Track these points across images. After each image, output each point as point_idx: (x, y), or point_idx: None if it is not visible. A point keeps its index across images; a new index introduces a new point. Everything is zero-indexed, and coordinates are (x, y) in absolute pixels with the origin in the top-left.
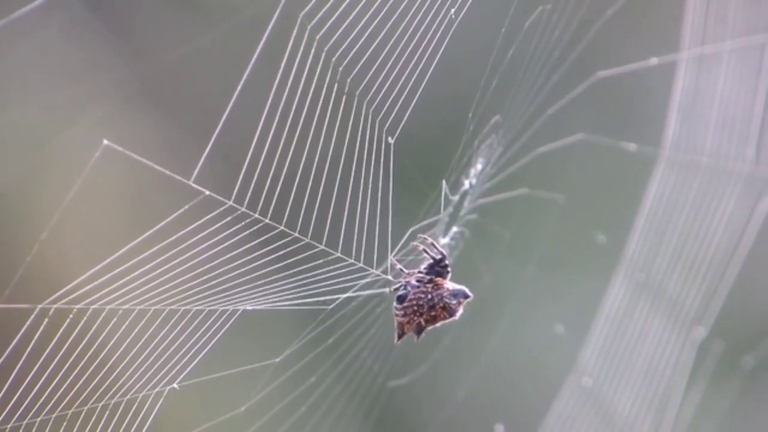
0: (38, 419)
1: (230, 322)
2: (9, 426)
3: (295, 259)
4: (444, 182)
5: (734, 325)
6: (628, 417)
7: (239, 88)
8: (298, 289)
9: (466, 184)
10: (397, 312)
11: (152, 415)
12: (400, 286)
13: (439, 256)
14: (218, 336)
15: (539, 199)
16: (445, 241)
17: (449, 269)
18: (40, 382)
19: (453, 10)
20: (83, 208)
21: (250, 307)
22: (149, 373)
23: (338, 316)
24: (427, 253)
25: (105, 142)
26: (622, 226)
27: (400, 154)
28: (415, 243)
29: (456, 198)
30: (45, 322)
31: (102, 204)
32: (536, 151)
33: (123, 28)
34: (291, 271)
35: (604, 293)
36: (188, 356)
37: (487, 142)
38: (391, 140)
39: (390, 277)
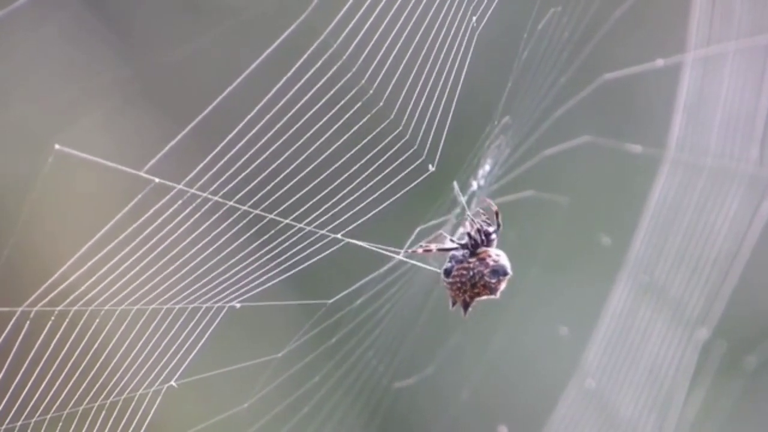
0: (32, 420)
1: (219, 317)
2: (3, 428)
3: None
4: (455, 183)
5: (737, 325)
6: (631, 418)
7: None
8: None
9: (474, 185)
10: (446, 285)
11: (150, 414)
12: (449, 253)
13: (493, 228)
14: (209, 332)
15: (545, 200)
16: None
17: (495, 237)
18: (29, 384)
19: (474, 18)
20: (60, 210)
21: (238, 304)
22: (142, 372)
23: (342, 314)
24: (493, 218)
25: (56, 146)
26: (627, 227)
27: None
28: (485, 203)
29: (464, 199)
30: (27, 325)
31: (79, 205)
32: (542, 153)
33: (123, 28)
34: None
35: (607, 295)
36: (182, 353)
37: (496, 143)
38: (432, 168)
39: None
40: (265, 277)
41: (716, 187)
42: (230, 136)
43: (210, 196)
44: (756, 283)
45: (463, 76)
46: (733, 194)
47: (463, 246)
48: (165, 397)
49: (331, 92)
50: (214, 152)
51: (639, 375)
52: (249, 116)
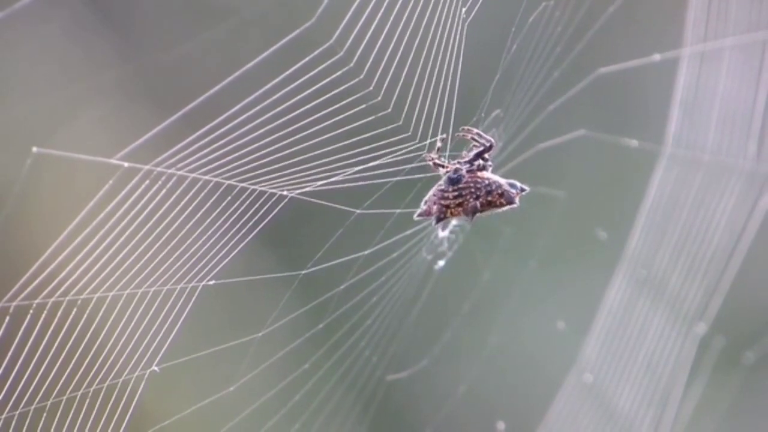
0: (17, 412)
1: (194, 296)
2: None
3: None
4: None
5: (735, 320)
6: (629, 413)
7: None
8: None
9: None
10: (447, 194)
11: (135, 400)
12: (449, 172)
13: (488, 144)
14: (185, 314)
15: (540, 195)
16: (444, 234)
17: (491, 163)
18: (11, 377)
19: (464, 10)
20: (42, 207)
21: (212, 282)
22: (123, 358)
23: (328, 296)
24: (476, 141)
25: (34, 149)
26: (624, 222)
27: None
28: (461, 132)
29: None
30: (7, 320)
31: (59, 202)
32: (537, 147)
33: (124, 27)
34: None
35: (605, 289)
36: (161, 337)
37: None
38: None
39: None
40: (236, 251)
41: (714, 182)
42: (218, 122)
43: (199, 176)
44: (754, 278)
45: (460, 70)
46: (730, 190)
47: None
48: (149, 382)
49: (327, 82)
50: (206, 135)
51: (637, 369)
52: (245, 106)
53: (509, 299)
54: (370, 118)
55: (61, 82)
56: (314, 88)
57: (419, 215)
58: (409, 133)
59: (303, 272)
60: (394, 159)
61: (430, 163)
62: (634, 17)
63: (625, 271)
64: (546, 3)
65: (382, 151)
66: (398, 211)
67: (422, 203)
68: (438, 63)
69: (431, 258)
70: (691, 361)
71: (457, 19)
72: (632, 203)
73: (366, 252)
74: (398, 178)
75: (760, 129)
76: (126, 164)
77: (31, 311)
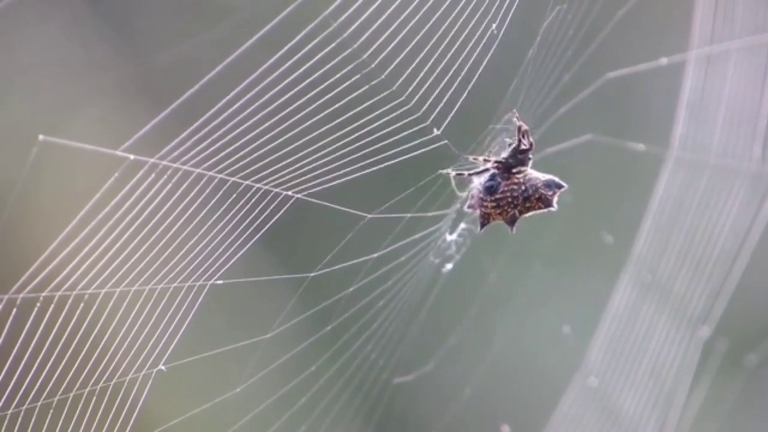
0: (23, 408)
1: (202, 295)
2: None
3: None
4: (452, 178)
5: (739, 323)
6: (633, 416)
7: (251, 83)
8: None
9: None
10: (486, 203)
11: (141, 399)
12: (483, 172)
13: (528, 146)
14: (193, 313)
15: None
16: (452, 237)
17: (531, 156)
18: (18, 371)
19: (494, 26)
20: (47, 199)
21: (221, 281)
22: (130, 356)
23: (335, 300)
24: (523, 136)
25: (40, 137)
26: (630, 225)
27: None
28: (512, 116)
29: (464, 194)
30: (14, 312)
31: (65, 194)
32: (545, 151)
33: (124, 27)
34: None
35: (610, 293)
36: (168, 336)
37: (498, 140)
38: (437, 131)
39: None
40: (244, 249)
41: (719, 185)
42: (215, 109)
43: (203, 172)
44: (758, 281)
45: (476, 77)
46: (735, 192)
47: (503, 164)
48: (155, 381)
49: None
50: (203, 126)
51: (641, 373)
52: (243, 92)
53: (514, 302)
54: (394, 115)
55: (61, 81)
56: (315, 73)
57: (469, 206)
58: (427, 123)
59: (312, 274)
60: (413, 157)
61: (465, 174)
62: (642, 21)
63: (630, 275)
64: (560, 7)
65: (401, 147)
66: (408, 215)
67: (468, 197)
68: (468, 73)
69: (438, 261)
70: (695, 364)
71: (487, 33)
72: (638, 206)
73: (374, 255)
74: (407, 156)
75: (765, 131)
76: (132, 156)
77: (38, 304)
